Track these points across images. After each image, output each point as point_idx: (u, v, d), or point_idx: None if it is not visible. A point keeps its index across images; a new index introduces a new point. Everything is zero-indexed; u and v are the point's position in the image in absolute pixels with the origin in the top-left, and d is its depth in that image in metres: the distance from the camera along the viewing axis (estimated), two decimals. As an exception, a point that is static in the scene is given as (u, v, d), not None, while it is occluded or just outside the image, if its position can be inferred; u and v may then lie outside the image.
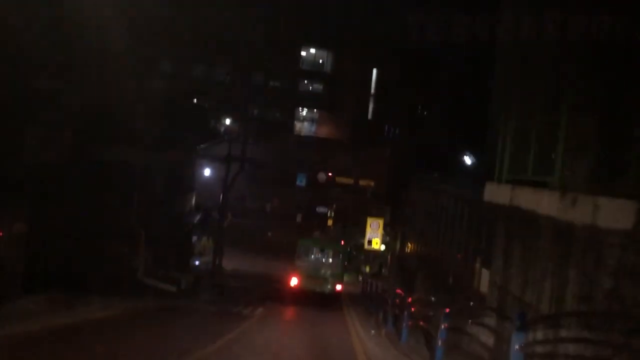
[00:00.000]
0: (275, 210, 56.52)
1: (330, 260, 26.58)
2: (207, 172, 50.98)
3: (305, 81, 67.22)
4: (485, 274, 14.38)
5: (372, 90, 66.47)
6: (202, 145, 50.69)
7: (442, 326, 9.06)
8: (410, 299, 14.42)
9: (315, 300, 24.53)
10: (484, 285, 13.65)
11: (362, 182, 55.60)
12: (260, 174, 56.56)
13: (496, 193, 8.63)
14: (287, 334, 17.03)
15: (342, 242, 31.80)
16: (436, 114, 52.44)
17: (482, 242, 16.29)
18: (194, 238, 38.56)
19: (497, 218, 9.04)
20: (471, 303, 12.96)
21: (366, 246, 31.74)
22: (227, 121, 59.50)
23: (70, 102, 15.90)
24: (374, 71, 66.26)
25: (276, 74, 62.58)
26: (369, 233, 31.53)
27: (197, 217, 38.49)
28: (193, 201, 39.17)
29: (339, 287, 25.57)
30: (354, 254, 35.12)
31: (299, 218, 53.70)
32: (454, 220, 21.81)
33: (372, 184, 55.34)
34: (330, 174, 53.65)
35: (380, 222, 31.89)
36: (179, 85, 56.97)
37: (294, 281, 25.64)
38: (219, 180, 53.22)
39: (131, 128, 20.01)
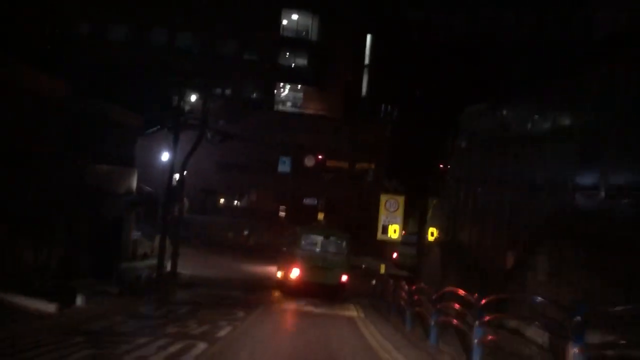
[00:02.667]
0: (253, 205, 45.85)
1: (335, 248, 22.71)
2: (165, 156, 40.08)
3: (287, 54, 56.74)
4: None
5: (366, 61, 56.28)
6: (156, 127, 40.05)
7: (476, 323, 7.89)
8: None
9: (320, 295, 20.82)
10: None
11: (359, 166, 45.17)
12: (234, 162, 46.00)
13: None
14: None
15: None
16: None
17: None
18: (136, 234, 27.76)
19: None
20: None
21: (380, 236, 21.41)
22: (193, 98, 48.86)
23: None
24: (368, 38, 56.13)
25: (251, 43, 52.13)
26: (383, 217, 21.26)
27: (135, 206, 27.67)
28: (134, 182, 28.41)
29: (344, 277, 22.16)
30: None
31: (282, 212, 43.12)
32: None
33: (372, 166, 45.00)
34: (320, 157, 43.18)
35: (400, 200, 21.59)
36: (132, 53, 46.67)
37: (294, 273, 21.98)
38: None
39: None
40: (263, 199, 45.24)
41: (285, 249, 24.80)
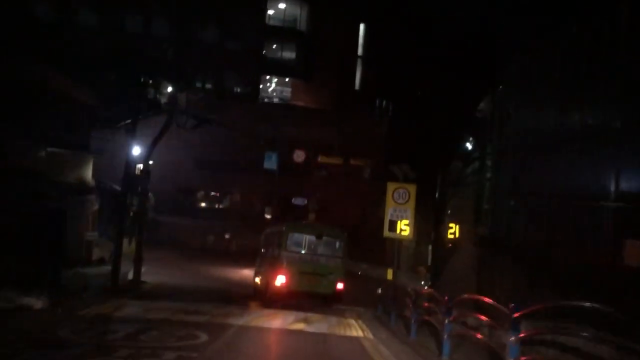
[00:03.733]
0: (236, 205, 41.42)
1: (328, 250, 18.58)
2: (136, 150, 35.58)
3: (274, 45, 52.56)
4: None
5: (360, 52, 52.20)
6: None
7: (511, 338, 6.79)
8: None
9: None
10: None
11: (354, 162, 40.89)
12: (215, 159, 41.63)
13: None
14: None
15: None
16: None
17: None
18: (92, 235, 23.42)
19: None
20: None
21: (386, 233, 17.13)
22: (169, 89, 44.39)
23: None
24: (361, 28, 52.10)
25: (235, 31, 47.91)
26: (390, 210, 17.03)
27: (90, 199, 23.42)
28: (88, 172, 24.09)
29: (340, 285, 18.25)
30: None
31: (268, 214, 38.77)
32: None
33: (367, 163, 40.76)
34: (310, 153, 38.93)
35: (411, 190, 17.34)
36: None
37: (280, 280, 17.84)
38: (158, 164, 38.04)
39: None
40: (247, 199, 40.87)
41: (264, 250, 20.55)
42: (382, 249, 41.03)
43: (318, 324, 14.05)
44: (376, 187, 39.79)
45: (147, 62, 39.25)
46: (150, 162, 28.71)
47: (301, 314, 15.48)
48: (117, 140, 34.20)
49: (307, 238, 18.04)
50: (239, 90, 50.18)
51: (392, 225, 17.52)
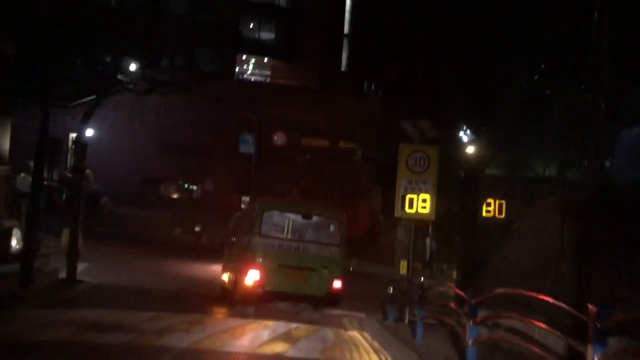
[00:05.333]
0: (209, 195, 36.35)
1: (321, 236, 13.36)
2: (89, 132, 30.34)
3: (252, 24, 47.60)
4: None
5: (346, 30, 47.44)
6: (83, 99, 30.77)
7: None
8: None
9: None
10: None
11: (343, 144, 36.06)
12: (183, 142, 36.61)
13: None
14: None
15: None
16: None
17: None
18: (10, 222, 18.22)
19: None
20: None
21: (399, 212, 12.26)
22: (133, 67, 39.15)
23: None
24: (348, 2, 47.30)
25: (207, 2, 42.78)
26: (403, 182, 12.29)
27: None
28: (6, 142, 18.92)
29: (337, 283, 12.92)
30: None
31: (244, 204, 33.81)
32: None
33: (358, 145, 36.01)
34: (292, 135, 34.07)
35: (433, 154, 12.63)
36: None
37: (252, 277, 12.48)
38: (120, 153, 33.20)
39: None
40: (221, 188, 35.84)
41: (234, 238, 15.63)
42: (376, 242, 36.51)
43: (307, 343, 9.28)
44: (368, 172, 35.39)
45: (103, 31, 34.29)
46: (93, 135, 23.77)
47: (281, 326, 10.72)
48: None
49: (291, 219, 13.16)
50: (212, 69, 44.93)
51: (403, 203, 12.76)
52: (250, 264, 12.61)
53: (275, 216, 13.23)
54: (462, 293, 8.39)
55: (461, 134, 25.52)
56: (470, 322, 7.38)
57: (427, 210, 12.74)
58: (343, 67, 47.53)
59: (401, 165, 12.94)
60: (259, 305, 12.73)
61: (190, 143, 36.29)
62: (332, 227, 13.52)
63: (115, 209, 32.16)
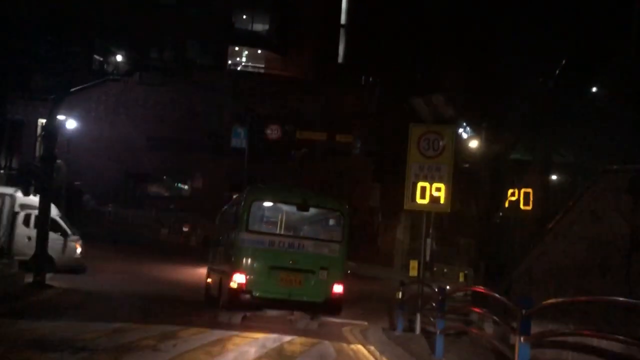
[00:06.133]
0: (198, 193, 34.45)
1: (319, 232, 11.59)
2: (71, 124, 28.48)
3: (244, 15, 45.75)
4: None
5: (343, 20, 45.61)
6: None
7: None
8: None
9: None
10: None
11: (340, 138, 34.20)
12: (172, 137, 34.73)
13: None
14: None
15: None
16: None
17: None
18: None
19: None
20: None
21: (409, 204, 10.38)
22: (119, 58, 37.12)
23: None
24: (345, -9, 45.55)
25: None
26: (414, 168, 10.46)
27: None
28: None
29: (337, 288, 11.01)
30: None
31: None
32: None
33: (353, 140, 34.18)
34: (288, 128, 32.23)
35: (448, 135, 10.85)
36: None
37: (237, 280, 10.55)
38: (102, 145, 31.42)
39: None
40: (211, 185, 33.91)
41: (221, 237, 13.77)
42: (374, 242, 34.71)
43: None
44: (367, 167, 33.56)
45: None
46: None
47: (272, 340, 8.89)
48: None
49: (284, 211, 11.36)
50: (202, 61, 42.99)
51: (417, 191, 10.96)
52: (236, 265, 10.77)
53: (266, 208, 11.41)
54: (502, 299, 6.56)
55: (460, 130, 23.95)
56: (522, 338, 5.59)
57: (442, 201, 10.93)
58: (340, 59, 45.68)
59: (412, 148, 11.12)
60: (247, 313, 10.92)
61: (179, 137, 34.38)
62: (332, 221, 11.75)
63: (98, 207, 30.23)
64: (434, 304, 9.48)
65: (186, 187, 34.84)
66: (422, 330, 10.18)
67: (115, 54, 36.93)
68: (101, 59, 36.61)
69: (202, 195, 33.81)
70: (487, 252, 15.00)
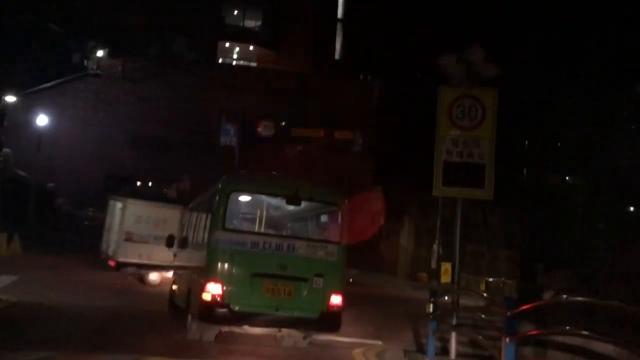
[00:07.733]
0: (185, 196, 31.81)
1: (312, 231, 9.37)
2: (42, 120, 25.90)
3: (235, 11, 43.48)
4: None
5: (340, 14, 43.32)
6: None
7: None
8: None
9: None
10: None
11: (339, 134, 31.70)
12: (156, 136, 32.23)
13: None
14: None
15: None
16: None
17: None
18: None
19: None
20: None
21: (439, 190, 7.86)
22: (100, 53, 34.62)
23: None
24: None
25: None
26: (447, 142, 8.38)
27: None
28: None
29: (335, 299, 8.39)
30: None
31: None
32: None
33: (353, 136, 31.73)
34: (281, 125, 29.76)
35: (489, 101, 8.40)
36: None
37: (211, 291, 7.91)
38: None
39: None
40: (199, 187, 31.30)
41: (190, 235, 11.17)
42: (376, 249, 32.22)
43: None
44: (367, 167, 31.11)
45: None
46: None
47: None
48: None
49: (271, 205, 8.87)
50: (191, 57, 40.55)
51: (451, 172, 8.46)
52: (210, 272, 8.20)
53: (246, 202, 8.93)
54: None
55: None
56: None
57: (485, 185, 8.37)
58: (337, 55, 43.34)
59: (442, 118, 8.61)
60: (222, 332, 8.40)
61: (164, 136, 31.86)
62: (329, 217, 9.24)
63: (75, 211, 27.64)
64: (482, 316, 7.01)
65: (171, 189, 32.31)
66: (459, 354, 7.64)
67: (96, 48, 34.50)
68: (82, 53, 34.25)
69: (188, 198, 31.23)
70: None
